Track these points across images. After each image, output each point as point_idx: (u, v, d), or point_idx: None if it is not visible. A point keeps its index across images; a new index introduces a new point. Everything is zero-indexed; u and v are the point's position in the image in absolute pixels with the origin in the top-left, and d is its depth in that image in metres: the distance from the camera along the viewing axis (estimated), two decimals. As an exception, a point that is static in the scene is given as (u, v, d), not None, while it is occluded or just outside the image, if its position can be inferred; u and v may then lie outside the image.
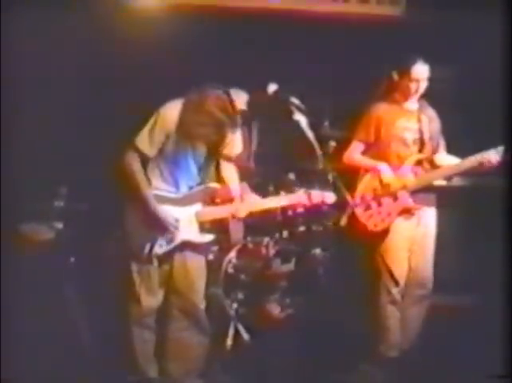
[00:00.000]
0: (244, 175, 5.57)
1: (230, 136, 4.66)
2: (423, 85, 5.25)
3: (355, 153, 5.41)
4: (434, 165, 5.35)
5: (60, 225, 5.42)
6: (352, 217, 5.25)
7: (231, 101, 4.51)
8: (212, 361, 4.98)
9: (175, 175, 4.62)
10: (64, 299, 5.16)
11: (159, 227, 4.53)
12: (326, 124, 5.65)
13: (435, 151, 5.36)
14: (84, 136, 5.67)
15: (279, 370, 5.16)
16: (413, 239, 5.29)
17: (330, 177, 5.01)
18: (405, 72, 5.21)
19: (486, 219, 5.84)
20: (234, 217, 4.76)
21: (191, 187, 4.67)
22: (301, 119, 4.87)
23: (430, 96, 5.33)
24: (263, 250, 5.69)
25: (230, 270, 5.53)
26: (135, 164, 4.54)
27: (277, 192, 5.71)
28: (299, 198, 4.79)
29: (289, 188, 5.73)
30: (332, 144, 5.60)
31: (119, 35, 5.72)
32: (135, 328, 4.61)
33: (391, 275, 5.21)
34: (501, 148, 5.07)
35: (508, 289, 4.76)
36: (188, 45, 5.89)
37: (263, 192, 5.57)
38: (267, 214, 5.33)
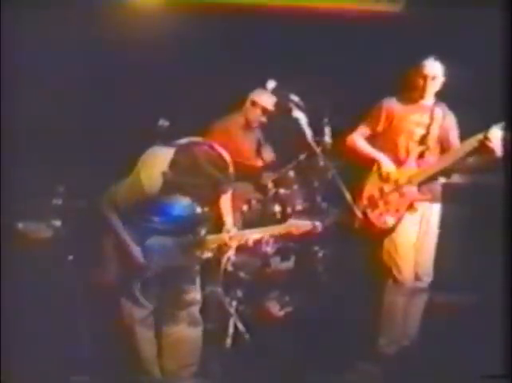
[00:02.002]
0: (245, 174, 5.60)
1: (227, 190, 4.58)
2: (438, 82, 5.25)
3: (359, 138, 5.40)
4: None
5: (58, 223, 5.41)
6: (362, 218, 5.24)
7: (220, 155, 4.32)
8: (211, 358, 4.97)
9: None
10: (63, 297, 5.14)
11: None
12: (325, 121, 5.63)
13: (447, 146, 5.35)
14: (82, 134, 5.66)
15: (278, 368, 5.15)
16: (417, 235, 5.30)
17: (329, 175, 5.01)
18: (418, 69, 5.23)
19: (486, 217, 5.82)
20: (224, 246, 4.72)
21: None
22: (300, 116, 4.87)
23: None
24: (262, 248, 5.69)
25: (230, 268, 5.52)
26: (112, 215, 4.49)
27: (275, 190, 5.72)
28: (288, 228, 4.75)
29: (288, 186, 5.74)
30: (330, 141, 5.59)
31: (119, 34, 5.70)
32: (138, 327, 4.59)
33: (400, 271, 5.23)
34: (501, 126, 5.06)
35: (508, 288, 4.75)
36: (188, 42, 5.88)
37: (262, 190, 5.60)
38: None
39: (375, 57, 5.92)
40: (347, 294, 5.74)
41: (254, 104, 5.98)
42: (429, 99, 5.33)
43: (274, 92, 5.21)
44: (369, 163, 5.40)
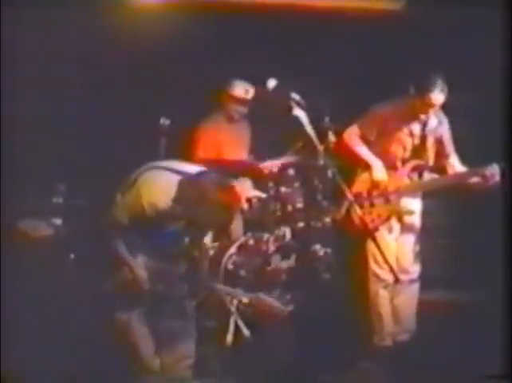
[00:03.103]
0: (244, 172, 5.60)
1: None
2: (437, 107, 5.27)
3: (355, 136, 5.41)
4: (438, 171, 5.39)
5: (59, 221, 5.41)
6: (352, 212, 5.27)
7: (228, 182, 4.35)
8: (212, 356, 4.98)
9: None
10: (63, 296, 5.14)
11: None
12: (326, 119, 5.62)
13: (443, 156, 5.39)
14: (82, 133, 5.65)
15: (279, 366, 5.15)
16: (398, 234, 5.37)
17: (330, 173, 5.02)
18: (423, 93, 5.20)
19: (486, 217, 5.82)
20: None
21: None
22: (300, 114, 4.86)
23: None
24: (263, 247, 5.69)
25: (230, 266, 5.53)
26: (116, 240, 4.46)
27: (276, 188, 5.72)
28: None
29: (289, 184, 5.74)
30: (332, 139, 5.58)
31: (119, 34, 5.69)
32: (137, 324, 4.60)
33: (385, 260, 5.23)
34: (499, 166, 5.08)
35: (508, 287, 4.76)
36: (189, 41, 5.87)
37: (263, 188, 5.59)
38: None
39: (375, 55, 5.91)
40: (347, 292, 5.75)
41: (228, 97, 6.02)
42: None
43: (275, 90, 5.19)
44: (362, 163, 5.44)
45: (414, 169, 5.35)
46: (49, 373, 4.70)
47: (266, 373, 5.06)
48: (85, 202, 5.47)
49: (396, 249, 5.37)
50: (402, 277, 5.31)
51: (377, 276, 5.36)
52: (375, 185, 5.37)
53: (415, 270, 5.41)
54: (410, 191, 5.32)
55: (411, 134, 5.35)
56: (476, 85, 5.75)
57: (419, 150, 5.35)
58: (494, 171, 5.07)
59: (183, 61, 5.96)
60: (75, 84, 5.70)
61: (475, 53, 5.80)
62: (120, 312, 4.56)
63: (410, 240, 5.42)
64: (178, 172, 4.38)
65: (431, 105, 5.21)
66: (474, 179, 5.20)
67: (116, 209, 4.44)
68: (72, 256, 5.33)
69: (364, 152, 5.43)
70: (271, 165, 5.74)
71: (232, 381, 4.98)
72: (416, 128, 5.34)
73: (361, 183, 5.42)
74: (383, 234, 5.32)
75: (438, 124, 5.36)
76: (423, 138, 5.34)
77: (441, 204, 5.51)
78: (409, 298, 5.41)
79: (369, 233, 5.23)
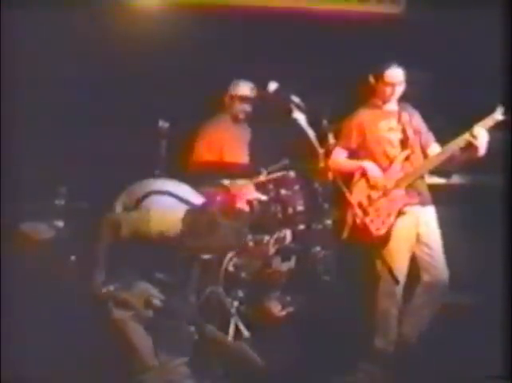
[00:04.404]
0: (245, 174, 5.61)
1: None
2: (399, 89, 5.34)
3: (339, 157, 5.47)
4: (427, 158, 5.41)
5: (60, 224, 5.42)
6: (355, 224, 5.26)
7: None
8: (212, 358, 4.98)
9: None
10: (64, 298, 5.15)
11: None
12: (326, 122, 5.63)
13: (425, 146, 5.40)
14: (84, 134, 5.66)
15: (279, 368, 5.15)
16: (416, 239, 5.31)
17: (330, 175, 5.02)
18: (379, 76, 5.32)
19: (486, 217, 5.82)
20: None
21: None
22: (300, 117, 4.88)
23: (428, 96, 5.35)
24: (263, 249, 5.69)
25: (231, 268, 5.53)
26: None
27: (276, 191, 5.72)
28: None
29: (289, 187, 5.74)
30: (332, 142, 5.59)
31: (119, 34, 5.71)
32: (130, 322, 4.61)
33: (392, 274, 5.22)
34: (488, 121, 5.08)
35: (508, 288, 4.76)
36: (187, 42, 5.88)
37: (263, 190, 5.60)
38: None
39: (376, 59, 5.91)
40: (348, 294, 5.75)
41: (232, 97, 6.04)
42: (392, 104, 5.42)
43: (275, 93, 5.20)
44: (357, 172, 5.45)
45: (405, 160, 5.35)
46: (49, 374, 4.71)
47: (266, 375, 5.07)
48: (87, 204, 5.49)
49: (422, 252, 5.33)
50: (425, 278, 5.31)
51: (388, 289, 5.29)
52: (372, 186, 5.36)
53: (441, 273, 5.34)
54: (409, 182, 5.31)
55: (391, 128, 5.37)
56: (475, 87, 5.76)
57: (404, 144, 5.36)
58: (480, 131, 5.07)
59: (182, 62, 5.97)
60: (76, 86, 5.71)
61: (475, 55, 5.81)
62: (117, 311, 4.58)
63: (436, 245, 5.36)
64: (183, 200, 4.42)
65: (389, 84, 5.28)
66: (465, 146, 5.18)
67: (119, 221, 4.46)
68: (73, 258, 5.33)
69: (352, 163, 5.45)
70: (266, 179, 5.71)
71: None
72: (392, 121, 5.37)
73: (360, 191, 5.40)
74: (397, 239, 5.29)
75: (410, 116, 5.38)
76: (403, 130, 5.35)
77: (441, 205, 5.50)
78: (429, 301, 5.36)
79: (384, 237, 5.25)
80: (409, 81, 5.37)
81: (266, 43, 6.03)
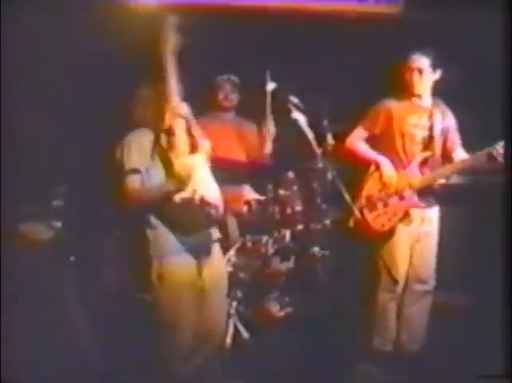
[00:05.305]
0: (244, 174, 5.61)
1: None
2: (427, 76, 5.23)
3: (358, 139, 5.40)
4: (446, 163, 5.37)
5: (59, 224, 5.41)
6: (359, 217, 5.25)
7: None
8: (211, 359, 4.98)
9: None
10: (63, 298, 5.15)
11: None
12: (325, 122, 5.63)
13: (450, 149, 5.35)
14: (83, 135, 5.65)
15: (278, 368, 5.16)
16: (416, 237, 5.31)
17: (329, 176, 5.02)
18: (404, 63, 5.22)
19: (486, 217, 5.83)
20: None
21: None
22: (299, 117, 4.87)
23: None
24: (262, 249, 5.69)
25: (229, 269, 5.53)
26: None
27: (275, 191, 5.72)
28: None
29: (288, 187, 5.74)
30: (331, 142, 5.59)
31: (118, 35, 5.70)
32: None
33: (391, 274, 5.22)
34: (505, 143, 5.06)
35: (508, 288, 4.76)
36: (187, 43, 5.87)
37: (262, 191, 5.60)
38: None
39: (374, 58, 5.92)
40: (347, 294, 5.76)
41: (216, 93, 6.02)
42: (426, 99, 5.32)
43: (274, 93, 5.20)
44: (370, 165, 5.41)
45: (424, 162, 5.30)
46: (49, 375, 4.72)
47: (265, 375, 5.07)
48: (86, 205, 5.49)
49: (415, 258, 5.32)
50: (417, 287, 5.32)
51: (387, 287, 5.29)
52: (386, 184, 5.33)
53: (432, 282, 5.37)
54: (423, 186, 5.27)
55: (418, 125, 5.29)
56: (476, 86, 5.76)
57: (427, 143, 5.32)
58: (500, 149, 5.04)
59: (181, 63, 5.95)
60: (75, 86, 5.70)
61: (475, 55, 5.82)
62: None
63: (429, 250, 5.36)
64: None
65: (415, 69, 5.19)
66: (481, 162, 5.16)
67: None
68: (72, 259, 5.34)
69: (370, 152, 5.40)
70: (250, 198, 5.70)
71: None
72: (423, 118, 5.29)
73: (373, 184, 5.38)
74: (399, 238, 5.29)
75: (443, 115, 5.32)
76: (431, 128, 5.30)
77: (441, 205, 5.50)
78: (422, 309, 5.34)
79: (387, 233, 5.24)
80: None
81: (265, 43, 6.02)
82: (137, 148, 4.48)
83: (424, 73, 5.21)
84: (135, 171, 4.43)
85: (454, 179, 5.78)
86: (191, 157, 4.41)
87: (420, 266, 5.31)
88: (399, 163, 5.30)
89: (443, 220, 5.41)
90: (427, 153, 5.27)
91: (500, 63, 5.25)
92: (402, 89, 5.32)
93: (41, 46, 5.63)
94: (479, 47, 5.75)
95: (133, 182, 4.42)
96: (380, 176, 5.32)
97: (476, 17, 5.59)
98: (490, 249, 5.43)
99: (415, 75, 5.22)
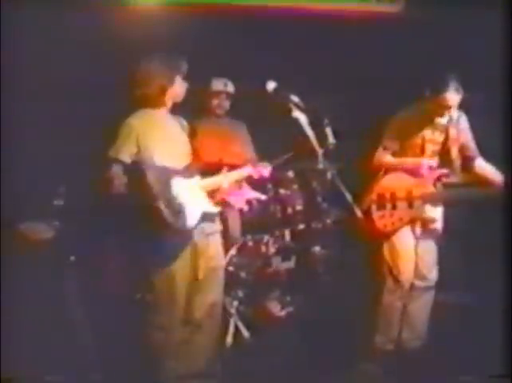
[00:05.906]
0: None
1: None
2: (453, 110, 5.19)
3: (383, 155, 5.36)
4: (470, 173, 5.35)
5: (59, 224, 5.41)
6: (361, 217, 5.24)
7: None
8: (212, 358, 4.98)
9: None
10: (64, 298, 5.15)
11: None
12: (326, 121, 5.63)
13: (469, 159, 5.34)
14: (83, 135, 5.65)
15: (279, 368, 5.16)
16: (419, 236, 5.31)
17: (329, 175, 5.01)
18: (438, 94, 5.11)
19: (486, 218, 5.83)
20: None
21: None
22: (300, 117, 4.87)
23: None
24: (263, 248, 5.70)
25: (230, 268, 5.53)
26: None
27: (275, 190, 5.72)
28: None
29: (288, 186, 5.74)
30: (332, 141, 5.58)
31: (119, 35, 5.70)
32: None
33: (397, 273, 5.22)
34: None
35: (508, 288, 4.76)
36: (187, 42, 5.88)
37: (261, 190, 5.59)
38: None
39: (375, 58, 5.92)
40: (347, 293, 5.75)
41: (208, 94, 6.03)
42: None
43: (274, 92, 5.19)
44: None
45: (440, 177, 5.29)
46: (48, 374, 4.72)
47: (266, 374, 5.07)
48: (86, 204, 5.49)
49: (417, 255, 5.31)
50: (419, 283, 5.31)
51: (391, 287, 5.28)
52: (400, 188, 5.31)
53: (432, 277, 5.36)
54: (433, 200, 5.26)
55: (431, 140, 5.26)
56: (476, 86, 5.76)
57: (444, 154, 5.30)
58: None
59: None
60: (76, 85, 5.70)
61: (475, 54, 5.81)
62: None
63: (431, 247, 5.35)
64: None
65: (446, 107, 5.13)
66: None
67: None
68: (72, 258, 5.34)
69: (395, 161, 5.34)
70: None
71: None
72: (436, 133, 5.26)
73: (386, 185, 5.36)
74: (402, 237, 5.28)
75: (458, 133, 5.28)
76: (443, 144, 5.27)
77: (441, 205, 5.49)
78: (423, 305, 5.35)
79: (387, 235, 5.24)
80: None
81: (266, 42, 6.03)
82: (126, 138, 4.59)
83: (453, 108, 5.17)
84: (119, 161, 4.57)
85: (454, 179, 5.77)
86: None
87: (422, 264, 5.31)
88: (417, 173, 5.28)
89: (445, 220, 5.41)
90: (446, 171, 5.26)
91: (500, 63, 5.25)
92: (424, 107, 5.25)
93: (41, 46, 5.63)
94: (479, 47, 5.74)
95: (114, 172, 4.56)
96: (398, 178, 5.31)
97: (476, 17, 5.59)
98: (490, 249, 5.43)
99: (445, 110, 5.16)
